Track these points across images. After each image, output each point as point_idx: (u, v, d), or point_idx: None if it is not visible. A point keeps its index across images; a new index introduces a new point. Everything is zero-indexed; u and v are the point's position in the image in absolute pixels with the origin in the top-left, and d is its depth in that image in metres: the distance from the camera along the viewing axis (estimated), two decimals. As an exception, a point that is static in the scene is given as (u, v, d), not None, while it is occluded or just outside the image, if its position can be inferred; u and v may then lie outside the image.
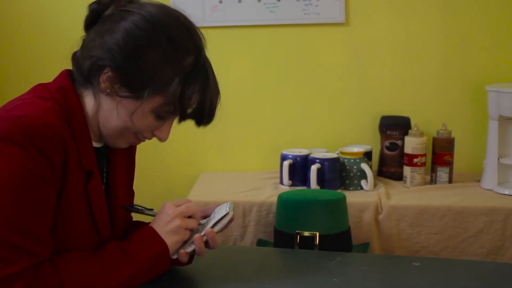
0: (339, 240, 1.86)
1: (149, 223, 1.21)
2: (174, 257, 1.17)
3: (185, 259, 1.19)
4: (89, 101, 1.14)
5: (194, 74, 1.11)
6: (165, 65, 1.08)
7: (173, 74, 1.09)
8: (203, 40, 1.15)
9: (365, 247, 2.01)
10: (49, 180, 1.04)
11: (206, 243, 1.21)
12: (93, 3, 1.14)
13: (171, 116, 1.15)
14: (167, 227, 1.15)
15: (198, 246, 1.19)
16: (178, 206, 1.19)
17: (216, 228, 1.22)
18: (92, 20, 1.13)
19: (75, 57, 1.15)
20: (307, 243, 1.81)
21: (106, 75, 1.09)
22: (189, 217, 1.20)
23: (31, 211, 1.02)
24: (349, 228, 1.92)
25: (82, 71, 1.12)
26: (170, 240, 1.15)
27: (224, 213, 1.23)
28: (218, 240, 1.23)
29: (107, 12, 1.12)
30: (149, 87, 1.08)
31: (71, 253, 1.08)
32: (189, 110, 1.14)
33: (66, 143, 1.06)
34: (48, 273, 1.03)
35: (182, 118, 1.16)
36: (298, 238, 1.82)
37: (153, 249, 1.13)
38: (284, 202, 1.93)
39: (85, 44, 1.13)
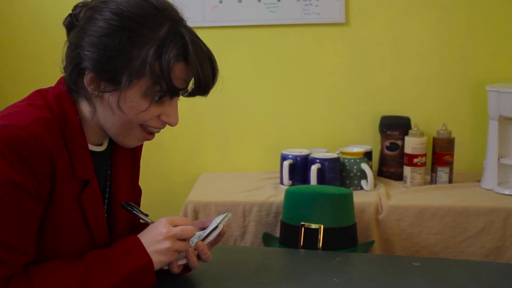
0: (345, 235, 1.87)
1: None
2: (166, 268, 1.15)
3: (176, 270, 1.17)
4: (85, 106, 1.13)
5: (168, 42, 1.05)
6: (135, 45, 1.05)
7: (146, 51, 1.05)
8: (177, 12, 1.10)
9: (369, 245, 2.01)
10: (32, 191, 1.02)
11: (199, 256, 1.19)
12: (66, 17, 1.12)
13: (165, 95, 1.10)
14: (156, 246, 1.11)
15: (191, 260, 1.17)
16: (175, 225, 1.14)
17: (206, 241, 1.20)
18: (68, 34, 1.13)
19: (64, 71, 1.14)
20: (312, 235, 1.82)
21: (88, 78, 1.08)
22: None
23: (9, 221, 1.01)
24: (355, 223, 1.94)
25: (68, 80, 1.11)
26: (156, 259, 1.10)
27: (215, 225, 1.22)
28: (210, 253, 1.20)
29: (79, 18, 1.10)
30: (125, 73, 1.05)
31: (49, 262, 1.07)
32: (179, 82, 1.09)
33: (53, 154, 1.04)
34: (21, 283, 1.02)
35: (173, 93, 1.09)
36: (303, 230, 1.84)
37: (136, 262, 1.08)
38: (291, 195, 1.95)
39: (65, 55, 1.12)
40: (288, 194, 1.97)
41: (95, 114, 1.12)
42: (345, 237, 1.88)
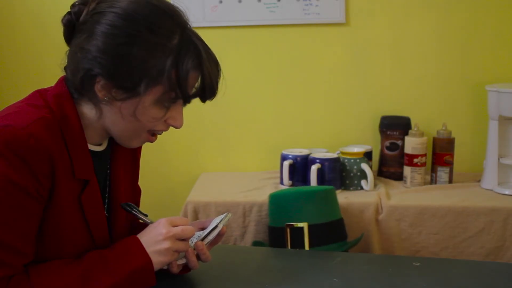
0: (331, 229, 1.92)
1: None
2: (165, 268, 1.15)
3: (176, 270, 1.17)
4: (88, 109, 1.12)
5: (184, 52, 1.07)
6: (152, 54, 1.06)
7: (163, 60, 1.06)
8: (183, 16, 1.12)
9: (358, 238, 2.02)
10: (32, 191, 1.02)
11: (198, 256, 1.19)
12: (65, 15, 1.11)
13: (176, 101, 1.12)
14: (155, 247, 1.11)
15: (190, 260, 1.18)
16: (174, 225, 1.14)
17: (206, 241, 1.20)
18: (70, 33, 1.11)
19: (66, 72, 1.13)
20: (298, 234, 1.87)
21: (99, 84, 1.07)
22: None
23: (8, 221, 1.01)
24: (341, 218, 1.99)
25: (76, 86, 1.10)
26: (156, 260, 1.10)
27: (215, 224, 1.22)
28: (209, 253, 1.20)
29: (81, 19, 1.09)
30: (143, 81, 1.06)
31: (49, 262, 1.07)
32: (191, 90, 1.11)
33: (53, 154, 1.03)
34: (21, 284, 1.02)
35: (186, 101, 1.13)
36: (289, 230, 1.88)
37: (135, 262, 1.09)
38: (273, 198, 2.00)
39: (70, 59, 1.11)
40: (271, 199, 2.01)
41: (101, 117, 1.12)
42: (332, 232, 1.92)
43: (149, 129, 1.13)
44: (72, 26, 1.11)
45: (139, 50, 1.05)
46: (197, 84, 1.11)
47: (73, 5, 1.12)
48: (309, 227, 1.87)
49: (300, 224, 1.87)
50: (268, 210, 2.02)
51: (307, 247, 1.87)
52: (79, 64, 1.08)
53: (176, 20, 1.09)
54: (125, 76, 1.06)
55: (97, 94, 1.08)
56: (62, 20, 1.11)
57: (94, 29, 1.07)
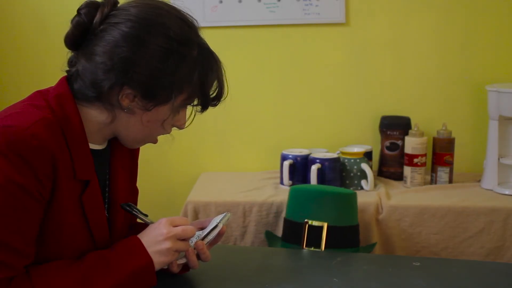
0: (347, 234, 1.92)
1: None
2: (165, 267, 1.16)
3: (176, 270, 1.18)
4: (98, 113, 1.12)
5: (207, 63, 1.11)
6: (180, 65, 1.08)
7: (191, 71, 1.09)
8: (196, 22, 1.14)
9: (371, 246, 2.02)
10: (33, 192, 1.01)
11: (198, 255, 1.20)
12: (75, 17, 1.09)
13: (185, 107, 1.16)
14: (156, 247, 1.11)
15: (190, 259, 1.18)
16: (175, 225, 1.14)
17: (206, 240, 1.21)
18: (79, 36, 1.09)
19: (77, 75, 1.10)
20: (315, 233, 1.86)
21: (124, 93, 1.08)
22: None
23: (10, 222, 1.01)
24: (358, 224, 1.98)
25: (100, 93, 1.09)
26: (156, 260, 1.11)
27: (215, 224, 1.22)
28: (209, 253, 1.21)
29: (96, 24, 1.07)
30: (173, 92, 1.09)
31: (50, 263, 1.06)
32: (211, 95, 1.15)
33: (55, 155, 1.03)
34: (21, 285, 1.02)
35: (205, 108, 1.17)
36: (307, 227, 1.87)
37: (137, 262, 1.09)
38: (294, 192, 1.99)
39: (87, 64, 1.08)
40: (292, 191, 1.99)
41: (113, 122, 1.12)
42: (348, 237, 1.91)
43: (161, 133, 1.17)
44: (83, 29, 1.09)
45: (168, 61, 1.07)
46: (214, 89, 1.15)
47: (81, 7, 1.10)
48: (328, 228, 1.87)
49: (320, 223, 1.87)
50: (287, 202, 2.00)
51: (323, 247, 1.86)
52: (105, 73, 1.07)
53: (193, 29, 1.12)
54: (155, 88, 1.08)
55: (120, 102, 1.09)
56: (72, 21, 1.10)
57: (116, 37, 1.06)
